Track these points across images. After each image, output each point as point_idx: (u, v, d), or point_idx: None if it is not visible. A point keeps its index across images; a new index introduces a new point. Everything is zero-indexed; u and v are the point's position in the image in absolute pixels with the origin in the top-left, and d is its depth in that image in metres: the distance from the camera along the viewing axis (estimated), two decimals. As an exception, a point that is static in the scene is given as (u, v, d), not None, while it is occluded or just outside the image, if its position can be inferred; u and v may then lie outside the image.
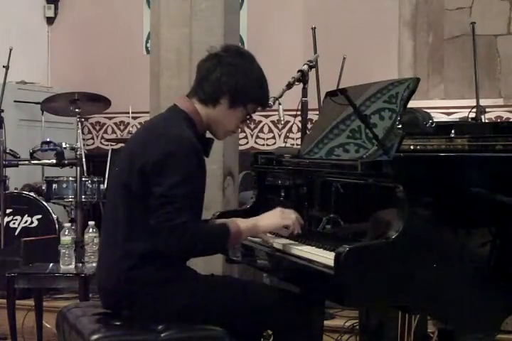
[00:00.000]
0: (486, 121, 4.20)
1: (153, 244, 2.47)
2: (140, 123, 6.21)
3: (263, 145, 6.14)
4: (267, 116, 6.05)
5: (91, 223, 3.81)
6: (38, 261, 4.01)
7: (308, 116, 3.17)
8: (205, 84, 2.63)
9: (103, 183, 5.12)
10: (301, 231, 2.60)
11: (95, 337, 2.42)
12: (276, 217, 2.61)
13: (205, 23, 4.01)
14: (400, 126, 2.43)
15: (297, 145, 4.77)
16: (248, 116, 2.70)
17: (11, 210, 4.85)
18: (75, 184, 4.77)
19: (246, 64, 2.65)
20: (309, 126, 3.22)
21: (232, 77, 2.60)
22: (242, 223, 2.57)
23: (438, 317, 2.34)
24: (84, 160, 4.77)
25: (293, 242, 2.61)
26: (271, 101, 2.86)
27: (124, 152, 2.66)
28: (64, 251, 3.73)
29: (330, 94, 2.93)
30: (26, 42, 6.40)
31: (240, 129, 2.79)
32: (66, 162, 4.78)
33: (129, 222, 2.52)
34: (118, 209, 2.55)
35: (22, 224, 4.87)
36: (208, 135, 2.72)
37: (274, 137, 6.14)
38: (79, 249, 3.90)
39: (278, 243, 2.62)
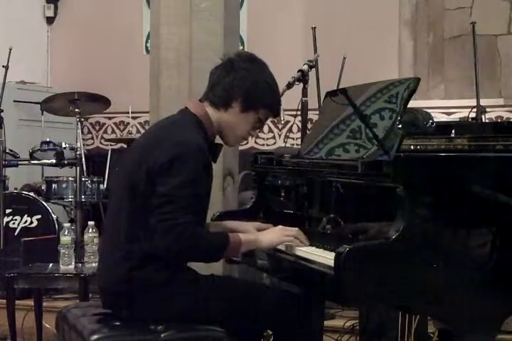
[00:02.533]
0: (486, 121, 4.20)
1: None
2: (140, 123, 6.21)
3: (263, 145, 6.14)
4: (267, 116, 6.05)
5: (91, 223, 3.81)
6: (38, 261, 4.00)
7: (308, 116, 3.17)
8: (218, 87, 2.63)
9: (103, 183, 5.11)
10: (307, 243, 2.56)
11: (95, 337, 2.42)
12: (278, 233, 2.58)
13: (205, 23, 4.01)
14: (400, 126, 2.43)
15: (297, 145, 4.77)
16: (259, 123, 2.70)
17: (10, 210, 4.85)
18: (74, 184, 4.77)
19: (259, 69, 2.66)
20: (309, 126, 3.22)
21: (245, 81, 2.60)
22: (244, 236, 2.56)
23: (438, 317, 2.34)
24: (84, 160, 4.77)
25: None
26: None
27: (131, 153, 2.65)
28: (64, 251, 3.73)
29: (330, 94, 2.93)
30: (26, 42, 6.40)
31: (251, 136, 2.78)
32: (66, 162, 4.78)
33: (131, 222, 2.51)
34: (121, 209, 2.55)
35: (22, 224, 4.86)
36: (217, 140, 2.71)
37: (274, 137, 6.14)
38: (79, 249, 3.90)
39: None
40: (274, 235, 2.58)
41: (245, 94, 2.60)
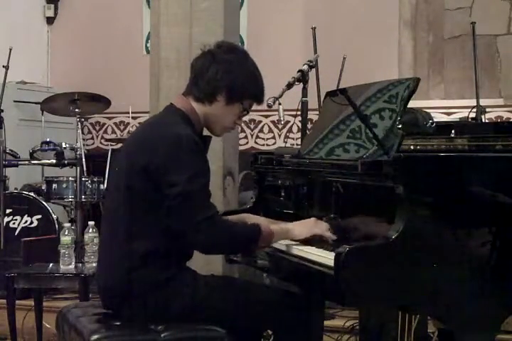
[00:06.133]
0: (486, 121, 4.20)
1: (153, 244, 2.47)
2: (140, 123, 6.19)
3: (263, 145, 6.14)
4: (267, 116, 6.05)
5: (91, 223, 3.81)
6: (38, 261, 4.00)
7: (308, 116, 3.17)
8: (201, 81, 2.61)
9: (103, 183, 5.11)
10: (335, 237, 2.53)
11: (95, 337, 2.42)
12: (311, 224, 2.57)
13: (205, 23, 4.01)
14: (399, 126, 2.44)
15: (297, 145, 4.77)
16: (245, 112, 2.70)
17: (10, 210, 4.85)
18: (74, 184, 4.77)
19: (240, 60, 2.64)
20: (309, 126, 3.22)
21: (228, 74, 2.59)
22: (274, 225, 2.56)
23: (438, 317, 2.34)
24: (84, 160, 4.77)
25: (293, 242, 2.60)
26: (271, 101, 2.86)
27: (123, 152, 2.66)
28: (64, 251, 3.73)
29: (330, 94, 2.93)
30: (26, 42, 6.40)
31: (237, 126, 2.79)
32: (66, 162, 4.78)
33: (129, 222, 2.51)
34: (118, 209, 2.55)
35: (22, 224, 4.87)
36: (205, 133, 2.72)
37: (274, 137, 6.13)
38: (79, 249, 3.90)
39: (278, 243, 2.62)
40: (306, 226, 2.56)
41: (229, 88, 2.59)
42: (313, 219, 2.60)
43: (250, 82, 2.63)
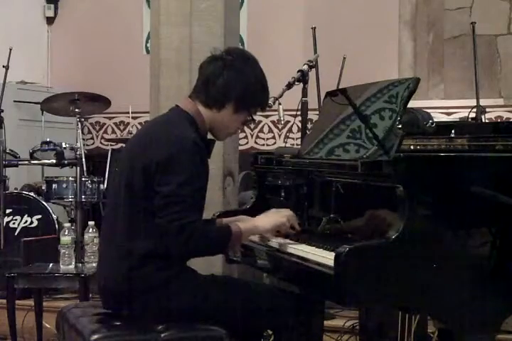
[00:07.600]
0: (486, 121, 4.20)
1: (153, 244, 2.47)
2: (140, 123, 6.21)
3: (263, 145, 6.14)
4: (267, 116, 6.05)
5: (91, 223, 3.81)
6: (38, 261, 4.00)
7: (308, 116, 3.17)
8: (211, 88, 2.62)
9: (103, 183, 5.11)
10: (299, 227, 2.63)
11: (95, 337, 2.42)
12: (273, 215, 2.65)
13: (205, 23, 4.01)
14: (399, 126, 2.44)
15: (297, 145, 4.77)
16: (250, 119, 2.70)
17: (10, 210, 4.84)
18: (74, 184, 4.76)
19: (251, 68, 2.65)
20: (309, 126, 3.22)
21: (239, 83, 2.60)
22: (242, 224, 2.59)
23: (438, 317, 2.34)
24: (84, 160, 4.77)
25: (293, 242, 2.61)
26: (271, 101, 2.87)
27: (125, 152, 2.67)
28: (64, 251, 3.73)
29: (330, 94, 2.93)
30: (26, 42, 6.40)
31: (239, 130, 2.80)
32: (66, 162, 4.78)
33: (130, 222, 2.52)
34: (119, 209, 2.55)
35: (22, 224, 4.86)
36: (209, 136, 2.72)
37: (274, 137, 6.13)
38: (79, 249, 3.90)
39: (278, 243, 2.63)
40: (269, 218, 2.64)
41: (239, 97, 2.61)
42: (273, 209, 2.68)
43: (259, 91, 2.66)
